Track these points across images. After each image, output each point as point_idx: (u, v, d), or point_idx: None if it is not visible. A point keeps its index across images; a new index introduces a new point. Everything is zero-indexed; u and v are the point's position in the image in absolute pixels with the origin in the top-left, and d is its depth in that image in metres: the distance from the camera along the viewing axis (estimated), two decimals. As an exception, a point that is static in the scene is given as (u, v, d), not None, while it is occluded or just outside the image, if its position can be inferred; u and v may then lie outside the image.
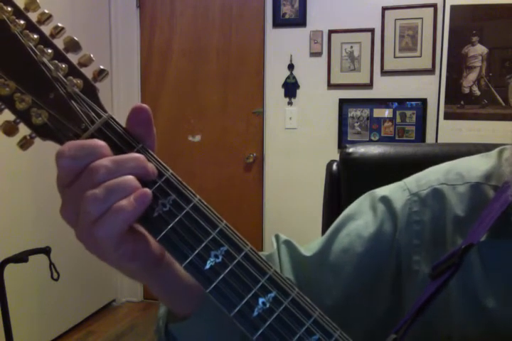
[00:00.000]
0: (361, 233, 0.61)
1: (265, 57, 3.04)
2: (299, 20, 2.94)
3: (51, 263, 1.88)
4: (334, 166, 1.00)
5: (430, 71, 2.80)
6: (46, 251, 1.87)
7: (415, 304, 0.50)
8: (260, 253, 0.60)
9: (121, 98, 3.05)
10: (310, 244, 0.64)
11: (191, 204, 0.43)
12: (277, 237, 0.65)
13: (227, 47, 3.11)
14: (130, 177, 0.40)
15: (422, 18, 2.76)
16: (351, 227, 0.62)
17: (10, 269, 1.83)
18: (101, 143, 0.40)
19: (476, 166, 0.61)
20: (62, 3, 2.66)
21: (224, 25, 3.11)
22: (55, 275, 1.89)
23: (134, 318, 3.13)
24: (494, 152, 0.63)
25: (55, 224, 2.63)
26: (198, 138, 3.22)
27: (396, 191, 0.62)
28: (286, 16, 2.96)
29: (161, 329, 0.53)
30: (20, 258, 1.82)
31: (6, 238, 2.32)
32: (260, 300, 0.43)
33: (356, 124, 2.92)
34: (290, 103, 3.02)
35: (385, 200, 0.62)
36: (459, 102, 2.74)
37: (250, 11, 3.06)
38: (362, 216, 0.63)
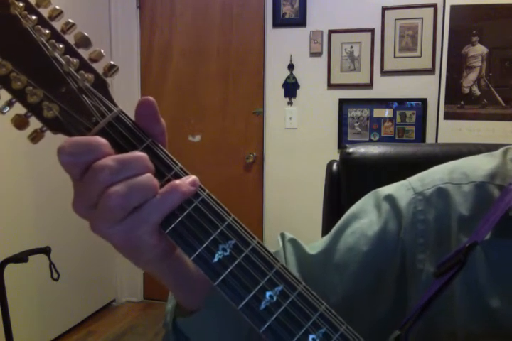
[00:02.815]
0: (366, 232, 0.61)
1: (265, 57, 3.04)
2: (299, 20, 2.94)
3: (51, 263, 1.88)
4: (334, 166, 1.00)
5: (430, 71, 2.80)
6: (46, 251, 1.87)
7: (420, 301, 0.50)
8: None
9: (121, 98, 3.01)
10: (315, 243, 0.64)
11: (200, 198, 0.43)
12: (283, 236, 0.65)
13: (227, 47, 3.11)
14: (148, 175, 0.41)
15: (422, 18, 2.77)
16: (356, 226, 0.62)
17: (10, 269, 1.83)
18: (101, 140, 0.40)
19: (480, 165, 0.61)
20: (63, 3, 2.66)
21: (224, 25, 3.11)
22: (55, 275, 1.89)
23: (134, 318, 3.13)
24: (499, 152, 0.63)
25: (55, 224, 2.63)
26: (198, 138, 3.22)
27: (400, 190, 0.62)
28: (286, 16, 2.97)
29: (169, 324, 0.53)
30: (20, 258, 1.82)
31: (6, 238, 2.32)
32: (267, 294, 0.43)
33: (356, 124, 2.93)
34: (290, 103, 3.02)
35: (390, 199, 0.62)
36: (459, 102, 2.74)
37: (250, 11, 3.06)
38: (366, 215, 0.63)
